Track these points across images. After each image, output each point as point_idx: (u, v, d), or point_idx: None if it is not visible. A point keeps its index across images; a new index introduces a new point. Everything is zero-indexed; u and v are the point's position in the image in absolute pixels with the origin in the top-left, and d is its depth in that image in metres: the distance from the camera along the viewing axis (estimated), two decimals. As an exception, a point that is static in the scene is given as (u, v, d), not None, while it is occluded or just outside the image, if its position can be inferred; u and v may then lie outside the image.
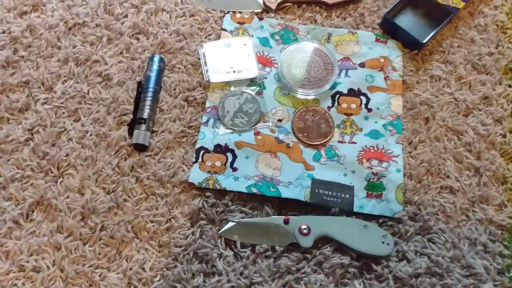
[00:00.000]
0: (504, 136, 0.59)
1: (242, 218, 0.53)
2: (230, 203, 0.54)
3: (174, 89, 0.59)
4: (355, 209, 0.54)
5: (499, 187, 0.57)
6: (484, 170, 0.57)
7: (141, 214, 0.53)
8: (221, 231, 0.52)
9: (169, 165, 0.55)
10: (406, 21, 0.65)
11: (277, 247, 0.52)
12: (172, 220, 0.53)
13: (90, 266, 0.50)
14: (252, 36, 0.63)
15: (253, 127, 0.58)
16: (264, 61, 0.62)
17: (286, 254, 0.52)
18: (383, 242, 0.52)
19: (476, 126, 0.60)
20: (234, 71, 0.59)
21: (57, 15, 0.63)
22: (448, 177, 0.56)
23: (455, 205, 0.55)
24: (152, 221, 0.53)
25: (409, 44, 0.63)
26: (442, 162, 0.57)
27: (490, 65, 0.64)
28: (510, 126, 0.60)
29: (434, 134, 0.59)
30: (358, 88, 0.61)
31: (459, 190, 0.56)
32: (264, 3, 0.65)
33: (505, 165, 0.58)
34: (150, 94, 0.57)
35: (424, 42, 0.62)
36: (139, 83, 0.59)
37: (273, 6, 0.65)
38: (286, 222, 0.53)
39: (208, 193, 0.54)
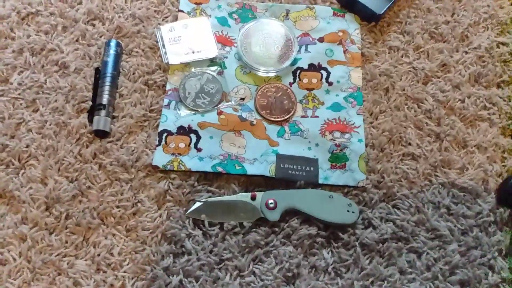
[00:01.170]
0: (463, 101, 0.61)
1: (209, 197, 0.53)
2: (196, 184, 0.54)
3: (133, 73, 0.59)
4: (320, 181, 0.55)
5: (460, 151, 0.58)
6: (445, 135, 0.58)
7: (106, 200, 0.52)
8: (188, 211, 0.52)
9: (132, 150, 0.55)
10: (363, -6, 0.65)
11: (245, 223, 0.52)
12: (138, 204, 0.53)
13: (58, 255, 0.50)
14: (210, 16, 0.63)
15: (215, 107, 0.57)
16: (224, 41, 0.62)
17: (254, 230, 0.52)
18: (348, 211, 0.53)
19: (435, 93, 0.61)
20: (193, 52, 0.59)
21: (8, 5, 0.62)
22: (409, 144, 0.58)
23: (418, 171, 0.56)
24: (118, 207, 0.52)
25: (367, 16, 0.64)
26: (403, 130, 0.58)
27: (447, 33, 0.65)
28: (468, 91, 0.61)
29: (394, 103, 0.60)
30: (318, 63, 0.61)
31: (421, 156, 0.57)
32: (220, -18, 0.64)
33: (465, 129, 0.59)
34: (108, 79, 0.56)
35: (381, 13, 0.62)
36: (97, 69, 0.58)
37: (230, -15, 0.64)
38: (253, 198, 0.53)
39: (173, 175, 0.54)
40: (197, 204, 0.53)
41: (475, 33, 0.65)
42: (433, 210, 0.54)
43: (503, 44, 0.65)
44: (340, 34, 0.63)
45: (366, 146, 0.57)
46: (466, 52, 0.64)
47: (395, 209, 0.54)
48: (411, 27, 0.65)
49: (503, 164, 0.57)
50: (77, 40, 0.61)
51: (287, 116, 0.58)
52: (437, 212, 0.54)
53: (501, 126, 0.60)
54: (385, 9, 0.63)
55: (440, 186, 0.56)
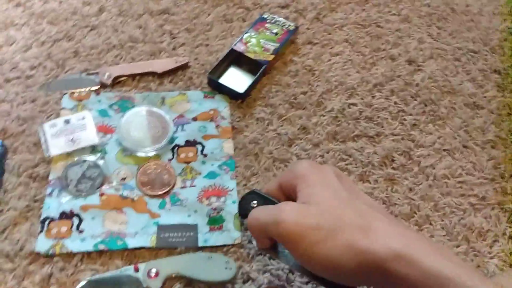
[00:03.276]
0: (323, 156, 0.70)
1: (93, 275, 0.56)
2: (79, 264, 0.57)
3: (18, 169, 0.63)
4: (201, 244, 0.59)
5: (324, 199, 0.65)
6: (309, 187, 0.66)
7: (-11, 293, 0.54)
8: (72, 292, 0.55)
9: (17, 240, 0.57)
10: (230, 77, 0.76)
11: (128, 295, 0.55)
12: (22, 291, 0.54)
13: None
14: (92, 109, 0.70)
15: (97, 190, 0.62)
16: (105, 130, 0.68)
17: (138, 300, 0.55)
18: (226, 268, 0.57)
19: (299, 153, 0.69)
20: (73, 143, 0.65)
21: None
22: (278, 199, 0.64)
23: (287, 222, 0.62)
24: (0, 297, 0.54)
25: (233, 96, 0.74)
26: (272, 188, 0.65)
27: (305, 101, 0.75)
28: (327, 147, 0.71)
29: (264, 165, 0.67)
30: (194, 139, 0.69)
31: (290, 209, 0.64)
32: (100, 81, 0.72)
33: (327, 180, 0.67)
34: (-8, 177, 0.60)
35: (242, 92, 0.72)
36: (-18, 170, 0.62)
37: (108, 82, 0.72)
38: (136, 270, 0.56)
39: (56, 259, 0.57)
40: (81, 283, 0.55)
41: (329, 99, 0.76)
42: (305, 255, 0.60)
43: (353, 104, 0.76)
44: (211, 112, 0.72)
45: (241, 206, 0.63)
46: (323, 115, 0.74)
47: (271, 260, 0.59)
48: (274, 100, 0.75)
49: (363, 206, 0.65)
50: (-37, 146, 0.65)
51: (168, 189, 0.64)
52: (309, 257, 0.60)
53: (358, 174, 0.69)
54: (245, 89, 0.73)
55: (309, 233, 0.62)
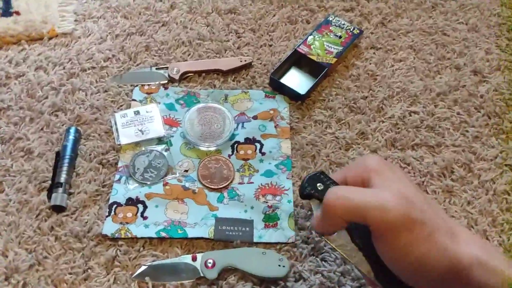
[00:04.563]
0: (380, 163, 0.69)
1: (153, 261, 0.59)
2: (141, 249, 0.60)
3: (90, 155, 0.67)
4: (255, 240, 0.61)
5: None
6: (365, 193, 0.66)
7: (60, 268, 0.58)
8: (134, 275, 0.58)
9: (85, 222, 0.61)
10: (291, 78, 0.77)
11: (185, 283, 0.58)
12: (89, 270, 0.58)
13: (12, 322, 0.54)
14: (160, 103, 0.73)
15: (162, 179, 0.65)
16: (171, 123, 0.71)
17: (195, 288, 0.58)
18: (279, 265, 0.59)
19: (356, 157, 0.70)
20: (142, 133, 0.68)
21: (-16, 103, 0.72)
22: (334, 202, 0.65)
23: (341, 226, 0.63)
24: (70, 273, 0.58)
25: (294, 97, 0.75)
26: (328, 191, 0.66)
27: (364, 107, 0.75)
28: (385, 154, 0.70)
29: (320, 168, 0.68)
30: (253, 137, 0.71)
31: (344, 213, 0.64)
32: (168, 75, 0.76)
33: (383, 187, 0.67)
34: (66, 161, 0.65)
35: (303, 94, 0.73)
36: (57, 153, 0.66)
37: (177, 77, 0.75)
38: (194, 259, 0.59)
39: (121, 242, 0.60)
40: (142, 268, 0.58)
41: (390, 105, 0.76)
42: (358, 260, 0.61)
43: (415, 112, 0.75)
44: (271, 112, 0.73)
45: (296, 206, 0.65)
46: (382, 122, 0.74)
47: (323, 262, 0.60)
48: (333, 103, 0.75)
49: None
50: (41, 129, 0.70)
51: (226, 184, 0.66)
52: (361, 262, 0.60)
53: (416, 183, 0.68)
54: (307, 90, 0.74)
55: (363, 238, 0.62)
